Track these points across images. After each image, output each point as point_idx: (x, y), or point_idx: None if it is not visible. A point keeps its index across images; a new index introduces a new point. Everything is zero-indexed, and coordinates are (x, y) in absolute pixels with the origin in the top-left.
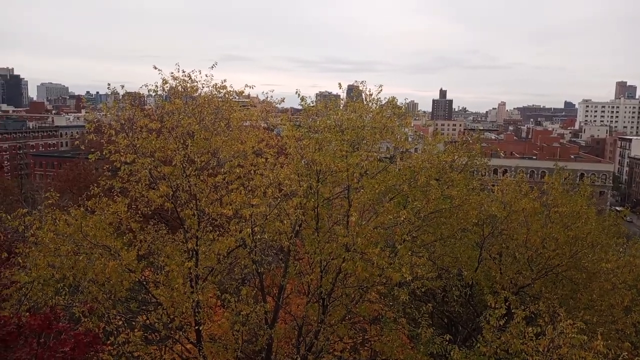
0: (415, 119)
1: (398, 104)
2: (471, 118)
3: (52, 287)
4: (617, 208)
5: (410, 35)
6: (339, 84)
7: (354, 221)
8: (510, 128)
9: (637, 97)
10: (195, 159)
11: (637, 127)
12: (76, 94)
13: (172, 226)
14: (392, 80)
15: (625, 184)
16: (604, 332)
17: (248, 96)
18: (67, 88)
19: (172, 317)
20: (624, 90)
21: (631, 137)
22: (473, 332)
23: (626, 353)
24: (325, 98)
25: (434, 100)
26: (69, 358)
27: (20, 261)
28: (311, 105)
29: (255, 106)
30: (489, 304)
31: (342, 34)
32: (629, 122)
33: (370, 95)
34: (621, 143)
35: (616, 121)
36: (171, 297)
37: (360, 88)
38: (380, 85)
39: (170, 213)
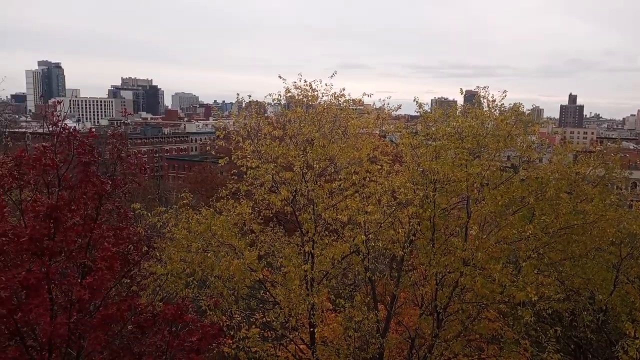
0: (541, 126)
1: (523, 110)
2: (605, 125)
3: (183, 280)
4: None
5: (537, 37)
6: (461, 89)
7: (474, 234)
8: None
9: None
10: (314, 165)
11: None
12: (205, 102)
13: (288, 229)
14: (515, 85)
15: None
16: None
17: (361, 103)
18: (197, 97)
19: (288, 317)
20: None
21: None
22: None
23: None
24: (441, 104)
25: (562, 106)
26: (196, 348)
27: (157, 255)
28: (429, 112)
29: (369, 113)
30: (626, 332)
31: (461, 37)
32: None
33: (493, 101)
34: None
35: None
36: (288, 297)
37: (482, 94)
38: (505, 91)
39: (288, 216)
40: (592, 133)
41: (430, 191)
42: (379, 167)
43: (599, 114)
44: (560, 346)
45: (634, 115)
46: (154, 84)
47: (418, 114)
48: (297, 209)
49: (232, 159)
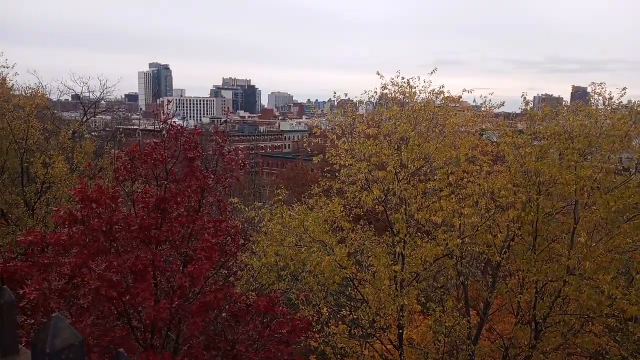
0: None
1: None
2: None
3: (275, 272)
4: None
5: None
6: (573, 86)
7: (582, 241)
8: None
9: None
10: (408, 165)
11: None
12: (299, 101)
13: (378, 228)
14: (632, 80)
15: None
16: None
17: (458, 100)
18: (292, 96)
19: (376, 316)
20: None
21: None
22: None
23: None
24: (545, 101)
25: None
26: (286, 339)
27: (252, 248)
28: (535, 109)
29: (468, 110)
30: None
31: (569, 30)
32: None
33: (610, 98)
34: None
35: None
36: (377, 296)
37: (596, 90)
38: (624, 88)
39: (379, 216)
40: None
41: (534, 194)
42: (478, 167)
43: None
44: None
45: None
46: (251, 83)
47: (520, 110)
48: (388, 209)
49: (326, 157)
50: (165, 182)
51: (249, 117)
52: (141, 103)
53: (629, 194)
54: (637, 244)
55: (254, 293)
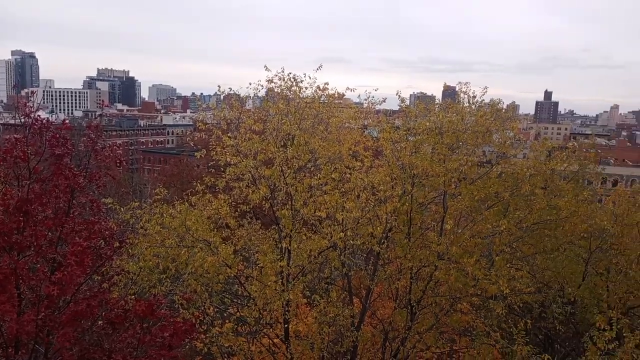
0: (518, 123)
1: (501, 106)
2: (579, 122)
3: (156, 275)
4: None
5: (515, 35)
6: (444, 84)
7: (449, 229)
8: (624, 133)
9: None
10: (294, 162)
11: None
12: (183, 95)
13: (264, 223)
14: (494, 81)
15: None
16: None
17: (342, 97)
18: (175, 89)
19: (262, 312)
20: None
21: None
22: (571, 351)
23: None
24: (420, 99)
25: (537, 102)
26: (168, 344)
27: (129, 251)
28: (410, 106)
29: (351, 108)
30: (596, 325)
31: (440, 34)
32: None
33: (473, 97)
34: None
35: None
36: (263, 293)
37: (463, 89)
38: (485, 87)
39: (266, 211)
40: (566, 129)
41: (408, 186)
42: (360, 163)
43: (573, 110)
44: (529, 338)
45: (607, 112)
46: (130, 75)
47: (399, 107)
48: (275, 205)
49: (212, 154)
50: (28, 182)
51: (127, 110)
52: (2, 95)
53: (490, 184)
54: (496, 229)
55: (133, 297)
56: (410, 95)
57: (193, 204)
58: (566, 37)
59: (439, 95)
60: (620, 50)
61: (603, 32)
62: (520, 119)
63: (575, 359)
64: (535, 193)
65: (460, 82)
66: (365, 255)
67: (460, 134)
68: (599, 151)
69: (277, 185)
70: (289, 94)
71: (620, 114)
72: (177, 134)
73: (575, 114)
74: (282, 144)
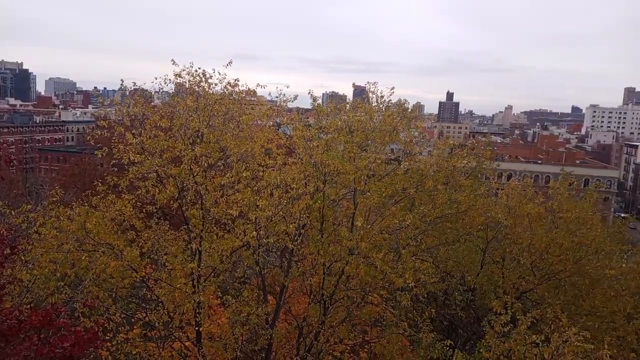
0: (423, 122)
1: (407, 106)
2: (477, 121)
3: (54, 282)
4: (622, 214)
5: (421, 37)
6: (353, 84)
7: (359, 225)
8: (516, 132)
9: None
10: (203, 160)
11: None
12: (84, 89)
13: (174, 223)
14: (401, 81)
15: (630, 190)
16: (609, 341)
17: (255, 94)
18: (75, 83)
19: (172, 316)
20: (632, 96)
21: (637, 144)
22: (473, 335)
23: None
24: (332, 98)
25: (440, 103)
26: (69, 354)
27: (23, 258)
28: (322, 105)
29: (264, 105)
30: (493, 309)
31: (351, 34)
32: (636, 128)
33: (382, 97)
34: (627, 149)
35: (623, 127)
36: (172, 296)
37: (371, 89)
38: (392, 88)
39: (174, 211)
40: (466, 128)
41: (320, 183)
42: (273, 161)
43: (472, 111)
44: (434, 325)
45: (502, 112)
46: (25, 67)
47: (311, 106)
48: (184, 204)
49: (114, 153)
50: None
51: (21, 105)
52: None
53: (397, 181)
54: (402, 224)
55: (28, 307)
56: (323, 94)
57: (94, 205)
58: (464, 41)
59: (350, 94)
60: (515, 56)
61: (496, 37)
62: (425, 118)
63: (476, 343)
64: (438, 189)
65: (368, 82)
66: (279, 252)
67: (369, 132)
68: (495, 148)
69: (185, 184)
70: (198, 89)
71: (514, 114)
72: (78, 130)
73: (474, 113)
74: (191, 141)
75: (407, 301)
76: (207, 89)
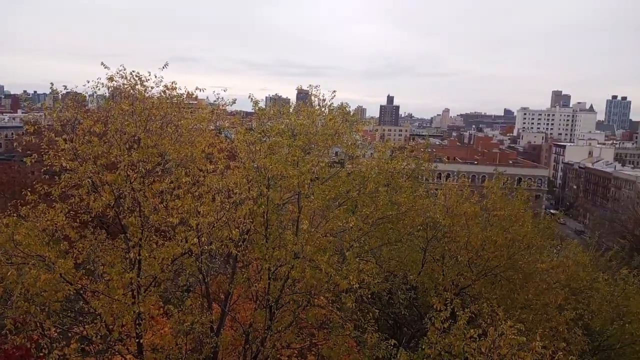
0: (364, 125)
1: (349, 110)
2: (417, 124)
3: None
4: (552, 211)
5: (364, 42)
6: (298, 87)
7: (304, 228)
8: (454, 134)
9: (570, 105)
10: (140, 167)
11: (571, 134)
12: (12, 93)
13: (111, 232)
14: (343, 85)
15: (559, 187)
16: (541, 332)
17: (196, 98)
18: (3, 87)
19: (111, 328)
20: (559, 99)
21: (565, 144)
22: (416, 332)
23: (561, 353)
24: (275, 102)
25: (381, 106)
26: None
27: None
28: (264, 109)
29: (204, 108)
30: (434, 306)
31: (294, 38)
32: (563, 129)
33: (324, 100)
34: (556, 149)
35: (552, 128)
36: (111, 308)
37: (314, 93)
38: (334, 91)
39: (111, 220)
40: (406, 131)
41: (264, 188)
42: (214, 165)
43: (411, 114)
44: (379, 323)
45: (440, 115)
46: None
47: (253, 110)
48: (121, 212)
49: (44, 159)
50: None
51: None
52: None
53: (340, 184)
54: (346, 226)
55: None
56: (266, 97)
57: (24, 215)
58: (404, 46)
59: (293, 97)
60: (452, 61)
61: (435, 42)
62: (366, 121)
63: (420, 340)
64: (379, 190)
65: (310, 85)
66: (224, 258)
67: (312, 136)
68: (434, 150)
69: (122, 191)
70: (134, 93)
71: (451, 116)
72: (6, 137)
73: (413, 116)
74: (128, 146)
75: (352, 302)
76: (143, 93)
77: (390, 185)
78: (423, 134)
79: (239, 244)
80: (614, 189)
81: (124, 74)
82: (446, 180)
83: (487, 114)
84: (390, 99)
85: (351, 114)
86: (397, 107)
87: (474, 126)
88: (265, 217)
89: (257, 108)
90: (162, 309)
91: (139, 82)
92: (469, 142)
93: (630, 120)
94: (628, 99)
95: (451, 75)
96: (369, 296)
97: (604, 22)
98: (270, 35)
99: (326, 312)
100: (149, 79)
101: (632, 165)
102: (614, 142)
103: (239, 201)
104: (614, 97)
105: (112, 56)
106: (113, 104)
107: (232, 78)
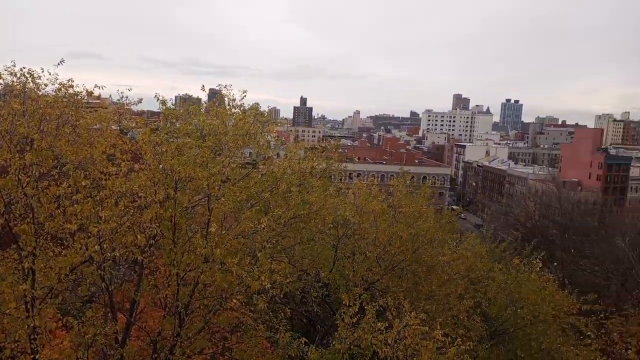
0: (277, 126)
1: (261, 110)
2: (329, 125)
3: None
4: (453, 207)
5: (278, 43)
6: (202, 86)
7: (214, 231)
8: (364, 135)
9: (470, 108)
10: (34, 170)
11: (471, 135)
12: None
13: (1, 242)
14: (257, 86)
15: (460, 185)
16: (443, 321)
17: (99, 97)
18: None
19: (2, 345)
20: (459, 102)
21: (465, 144)
22: (330, 329)
23: (460, 339)
24: (185, 101)
25: (295, 107)
26: None
27: None
28: (171, 108)
29: (106, 108)
30: (344, 302)
31: (205, 36)
32: (463, 130)
33: (234, 100)
34: (457, 149)
35: (453, 129)
36: (1, 323)
37: (224, 92)
38: (245, 91)
39: (1, 228)
40: (320, 132)
41: (171, 190)
42: (116, 167)
43: (324, 115)
44: (293, 322)
45: (351, 116)
46: None
47: (160, 110)
48: (12, 220)
49: None
50: None
51: None
52: None
53: (251, 185)
54: (257, 227)
55: None
56: (176, 97)
57: None
58: (317, 48)
59: (205, 97)
60: (362, 64)
61: (347, 46)
62: (279, 122)
63: (332, 336)
64: (291, 190)
65: (220, 85)
66: (129, 265)
67: (222, 136)
68: (346, 151)
69: (13, 196)
70: (27, 91)
71: (362, 118)
72: None
73: (326, 118)
74: (19, 149)
75: (264, 303)
76: (35, 90)
77: (303, 185)
78: (335, 135)
79: (145, 249)
80: (508, 185)
81: (12, 71)
82: (357, 179)
83: (395, 115)
84: (303, 101)
85: (265, 114)
86: (311, 109)
87: (382, 127)
88: (173, 220)
89: (164, 108)
90: (60, 321)
91: (30, 79)
92: (378, 142)
93: (522, 121)
94: (520, 102)
95: (362, 78)
96: (282, 296)
97: (500, 30)
98: (180, 34)
99: (238, 314)
100: (41, 76)
101: (524, 163)
102: (508, 142)
103: (144, 205)
104: (508, 100)
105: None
106: (2, 103)
107: (138, 76)
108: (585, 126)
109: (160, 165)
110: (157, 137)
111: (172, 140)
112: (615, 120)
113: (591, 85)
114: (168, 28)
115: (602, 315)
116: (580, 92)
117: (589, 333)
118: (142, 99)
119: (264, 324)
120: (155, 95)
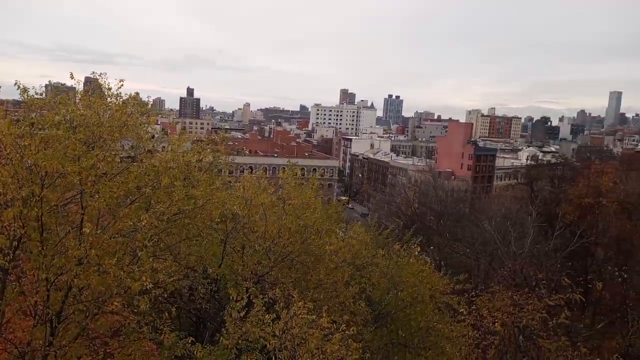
0: (162, 117)
1: (143, 100)
2: (219, 117)
3: None
4: (341, 197)
5: (163, 32)
6: (71, 73)
7: (88, 231)
8: (255, 128)
9: (356, 103)
10: None
11: (356, 128)
12: None
13: None
14: (139, 75)
15: (348, 176)
16: (329, 308)
17: None
18: None
19: None
20: (346, 97)
21: (351, 137)
22: (220, 325)
23: (345, 325)
24: (57, 90)
25: (181, 99)
26: None
27: None
28: (36, 97)
29: None
30: (231, 297)
31: (86, 23)
32: (350, 124)
33: (109, 89)
34: (344, 142)
35: (340, 123)
36: None
37: (100, 81)
38: (121, 80)
39: None
40: (208, 124)
41: (36, 188)
42: None
43: (212, 107)
44: (181, 321)
45: (241, 109)
46: None
47: (21, 99)
48: None
49: None
50: None
51: None
52: None
53: (131, 179)
54: (137, 225)
55: None
56: (47, 85)
57: None
58: (204, 39)
59: (81, 87)
60: (250, 56)
61: (235, 37)
62: (164, 113)
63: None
64: (175, 185)
65: (94, 72)
66: None
67: (96, 128)
68: (236, 143)
69: None
70: None
71: (252, 111)
72: None
73: (215, 110)
74: None
75: (146, 304)
76: None
77: (188, 179)
78: (225, 127)
79: (8, 253)
80: (391, 176)
81: None
82: (249, 172)
83: (286, 109)
84: (190, 91)
85: (146, 105)
86: (198, 100)
87: (273, 120)
88: (41, 220)
89: (25, 96)
90: None
91: None
92: (269, 135)
93: (403, 116)
94: (401, 98)
95: (251, 71)
96: (168, 295)
97: (388, 30)
98: (54, 19)
99: (120, 318)
100: None
101: (405, 155)
102: (391, 135)
103: (4, 203)
104: (390, 96)
105: None
106: None
107: (6, 63)
108: (458, 120)
109: (24, 160)
110: (19, 129)
111: (36, 132)
112: (483, 115)
113: (461, 84)
114: (44, 13)
115: (472, 293)
116: (452, 89)
117: (461, 310)
118: (0, 87)
119: (148, 326)
120: (16, 83)
